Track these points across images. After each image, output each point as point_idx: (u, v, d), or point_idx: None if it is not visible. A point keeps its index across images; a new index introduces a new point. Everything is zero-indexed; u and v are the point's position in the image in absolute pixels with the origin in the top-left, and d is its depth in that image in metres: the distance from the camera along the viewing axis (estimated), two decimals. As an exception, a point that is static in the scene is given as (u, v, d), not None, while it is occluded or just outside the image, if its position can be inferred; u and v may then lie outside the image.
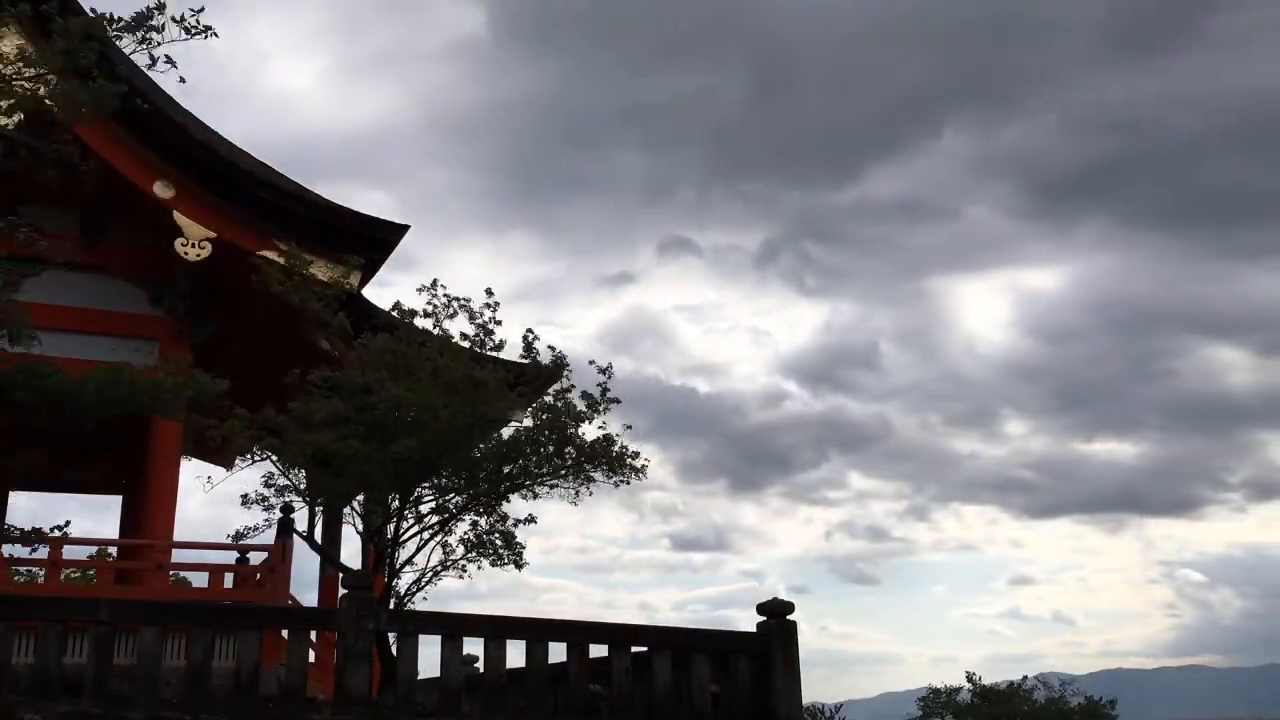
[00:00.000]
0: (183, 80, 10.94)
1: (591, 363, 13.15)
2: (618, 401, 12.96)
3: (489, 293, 13.24)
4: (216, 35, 10.77)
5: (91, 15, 10.92)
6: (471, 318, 13.11)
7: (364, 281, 16.13)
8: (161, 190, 15.88)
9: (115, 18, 10.61)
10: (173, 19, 10.46)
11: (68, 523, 13.46)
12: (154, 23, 10.47)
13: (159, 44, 10.52)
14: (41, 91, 11.12)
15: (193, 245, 15.81)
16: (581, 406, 12.71)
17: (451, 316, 13.07)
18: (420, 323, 13.12)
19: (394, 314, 13.58)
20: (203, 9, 10.62)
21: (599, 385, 12.92)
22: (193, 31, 10.55)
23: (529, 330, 13.26)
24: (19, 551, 15.95)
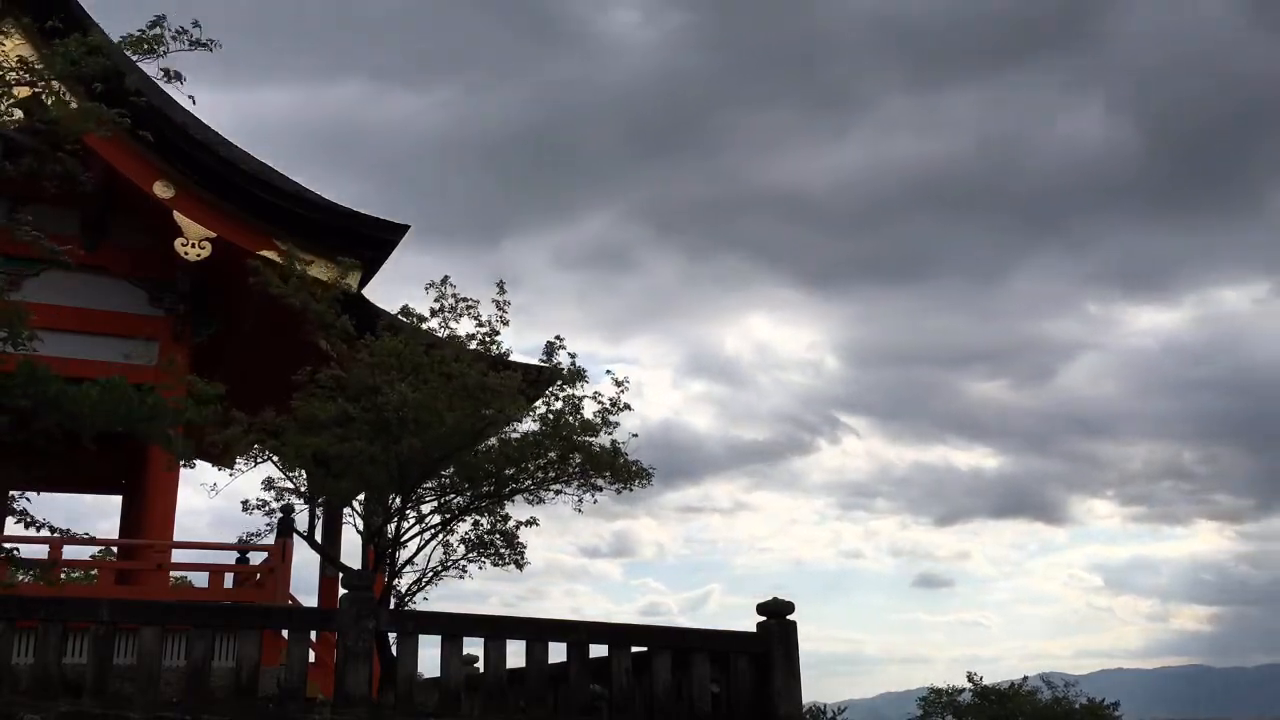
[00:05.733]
0: (192, 99, 10.95)
1: (608, 372, 13.09)
2: (629, 408, 12.88)
3: (501, 288, 13.06)
4: (220, 46, 10.76)
5: (96, 26, 10.94)
6: (479, 321, 13.02)
7: (363, 282, 16.12)
8: (162, 190, 15.85)
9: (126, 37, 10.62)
10: (173, 34, 10.44)
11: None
12: (157, 33, 10.47)
13: (162, 54, 10.52)
14: (46, 98, 11.11)
15: (192, 245, 15.79)
16: (589, 414, 12.61)
17: (459, 317, 12.99)
18: (428, 321, 13.06)
19: (399, 316, 13.55)
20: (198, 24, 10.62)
21: (617, 391, 12.85)
22: (197, 44, 10.55)
23: (557, 337, 13.15)
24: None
